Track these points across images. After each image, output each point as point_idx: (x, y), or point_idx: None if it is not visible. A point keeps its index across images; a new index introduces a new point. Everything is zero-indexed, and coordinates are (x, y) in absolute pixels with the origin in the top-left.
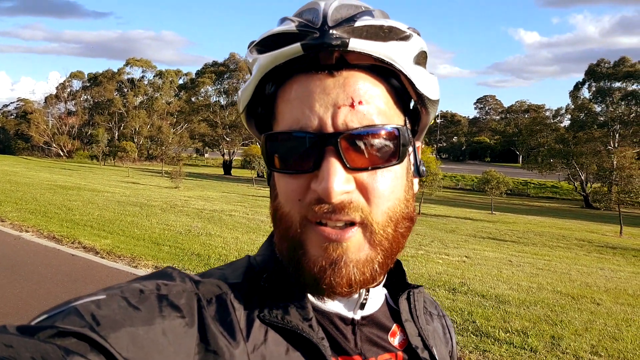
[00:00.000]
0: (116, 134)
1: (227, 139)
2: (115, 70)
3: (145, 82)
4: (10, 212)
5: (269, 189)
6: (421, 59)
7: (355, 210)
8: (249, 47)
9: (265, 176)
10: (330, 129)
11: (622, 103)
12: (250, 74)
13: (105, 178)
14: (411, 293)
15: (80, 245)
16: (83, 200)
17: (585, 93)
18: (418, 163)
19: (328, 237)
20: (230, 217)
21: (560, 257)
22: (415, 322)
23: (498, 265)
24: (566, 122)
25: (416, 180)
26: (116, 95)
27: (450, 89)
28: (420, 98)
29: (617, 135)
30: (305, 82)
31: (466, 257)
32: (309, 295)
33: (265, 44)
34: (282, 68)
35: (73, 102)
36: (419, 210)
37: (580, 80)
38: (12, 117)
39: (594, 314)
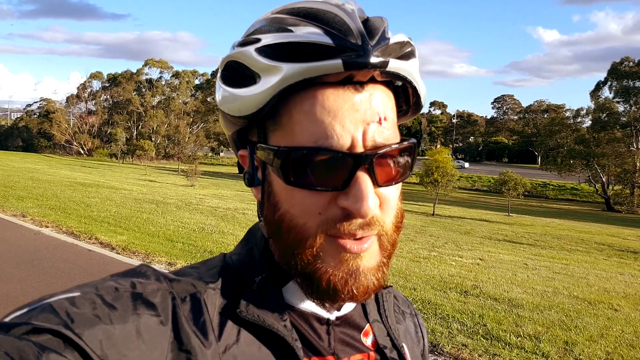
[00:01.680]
0: (134, 133)
1: None
2: (134, 70)
3: (163, 83)
4: (31, 208)
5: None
6: None
7: (377, 224)
8: (247, 45)
9: (246, 179)
10: (361, 147)
11: None
12: (244, 76)
13: (124, 176)
14: (380, 293)
15: (97, 240)
16: (101, 197)
17: (606, 92)
18: None
19: (350, 250)
20: (243, 216)
21: (578, 261)
22: (384, 322)
23: (513, 268)
24: (587, 123)
25: None
26: (134, 95)
27: (466, 89)
28: (417, 106)
29: None
30: (332, 95)
31: (480, 259)
32: (287, 295)
33: (286, 52)
34: (306, 80)
35: (93, 101)
36: (433, 212)
37: (602, 80)
38: (35, 116)
39: (611, 320)
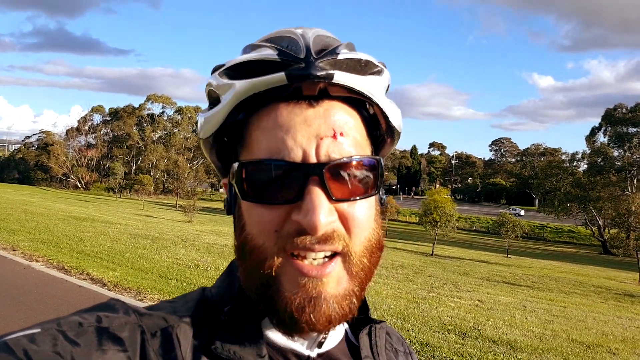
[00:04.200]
0: (133, 167)
1: None
2: (136, 105)
3: (165, 118)
4: (22, 242)
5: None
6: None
7: (339, 239)
8: (215, 72)
9: (225, 207)
10: (313, 160)
11: None
12: (212, 99)
13: (120, 210)
14: (372, 328)
15: (89, 276)
16: (95, 232)
17: (601, 137)
18: (381, 192)
19: (308, 274)
20: None
21: (576, 304)
22: (375, 358)
23: (511, 310)
24: (583, 166)
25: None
26: (135, 129)
27: (464, 131)
28: (390, 129)
29: (635, 180)
30: (284, 111)
31: (479, 301)
32: (265, 330)
33: (241, 70)
34: (258, 95)
35: (93, 135)
36: (432, 252)
37: (597, 125)
38: (34, 148)
39: None
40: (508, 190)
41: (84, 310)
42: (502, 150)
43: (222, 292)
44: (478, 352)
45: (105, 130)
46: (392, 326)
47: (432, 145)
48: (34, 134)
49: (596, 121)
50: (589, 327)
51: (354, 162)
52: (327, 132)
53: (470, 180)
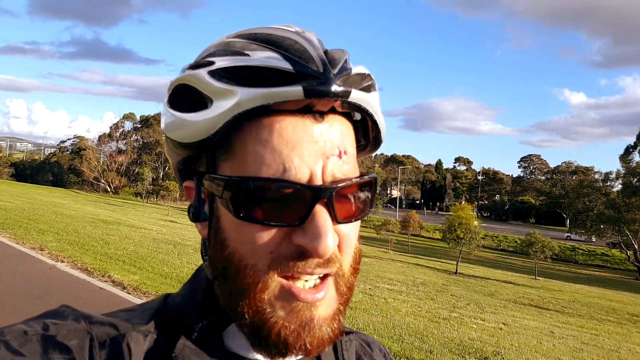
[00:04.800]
0: (161, 174)
1: None
2: None
3: None
4: (50, 242)
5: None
6: None
7: (336, 261)
8: (199, 68)
9: (191, 213)
10: (320, 181)
11: None
12: (192, 98)
13: (146, 215)
14: (338, 342)
15: (110, 279)
16: (120, 235)
17: (637, 157)
18: None
19: (304, 300)
20: None
21: (609, 332)
22: None
23: (538, 335)
24: (617, 187)
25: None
26: (164, 136)
27: (492, 146)
28: (376, 141)
29: None
30: (289, 124)
31: (503, 323)
32: (227, 340)
33: (242, 75)
34: (263, 106)
35: (124, 141)
36: (456, 270)
37: (632, 144)
38: (68, 152)
39: None
40: (537, 209)
41: (32, 319)
42: (531, 167)
43: (185, 300)
44: None
45: (136, 137)
46: (411, 351)
47: (458, 160)
48: (68, 139)
49: (631, 140)
50: (622, 358)
51: (359, 183)
52: (332, 151)
53: (497, 197)
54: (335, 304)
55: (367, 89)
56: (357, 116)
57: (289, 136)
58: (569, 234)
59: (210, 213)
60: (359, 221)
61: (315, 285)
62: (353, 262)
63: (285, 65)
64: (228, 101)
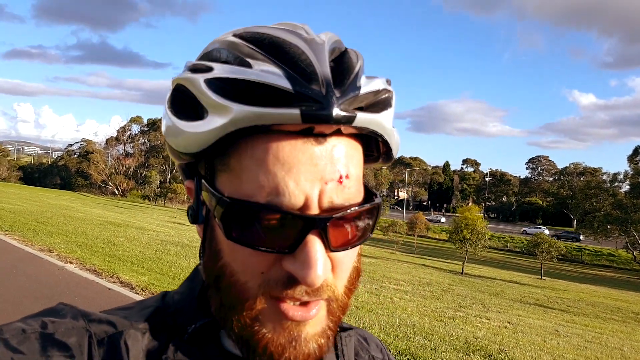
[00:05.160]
0: (168, 177)
1: None
2: None
3: None
4: (58, 244)
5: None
6: None
7: (327, 289)
8: (197, 73)
9: (190, 215)
10: (316, 208)
11: None
12: (190, 104)
13: (154, 217)
14: (337, 337)
15: (118, 280)
16: (128, 237)
17: None
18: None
19: (293, 318)
20: None
21: (613, 331)
22: None
23: (543, 334)
24: (625, 187)
25: None
26: None
27: (500, 148)
28: (388, 157)
29: None
30: (287, 145)
31: (508, 322)
32: (224, 340)
33: (238, 89)
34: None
35: (131, 144)
36: (462, 270)
37: None
38: (75, 155)
39: None
40: (544, 209)
41: (30, 316)
42: (539, 168)
43: (184, 299)
44: None
45: (143, 140)
46: (417, 349)
47: (465, 161)
48: (76, 142)
49: None
50: (626, 356)
51: (358, 211)
52: (332, 175)
53: (505, 198)
54: (325, 322)
55: (379, 109)
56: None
57: (286, 158)
58: (525, 229)
59: (206, 220)
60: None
61: (306, 304)
62: (348, 284)
63: (285, 85)
64: (222, 118)
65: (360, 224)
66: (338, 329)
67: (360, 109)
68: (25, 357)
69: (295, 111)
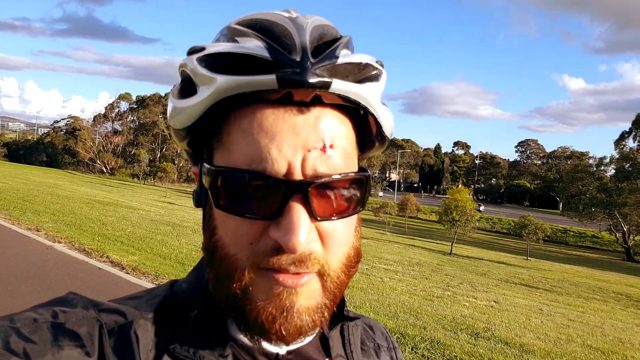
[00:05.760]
0: (158, 155)
1: None
2: (163, 94)
3: None
4: (46, 223)
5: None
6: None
7: (315, 262)
8: (193, 55)
9: (194, 199)
10: (298, 175)
11: None
12: (187, 84)
13: (143, 196)
14: (345, 326)
15: (108, 259)
16: (118, 216)
17: (631, 143)
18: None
19: (283, 283)
20: None
21: (594, 310)
22: (347, 357)
23: (527, 312)
24: (610, 171)
25: None
26: (161, 117)
27: (490, 131)
28: (381, 136)
29: None
30: (270, 114)
31: (494, 301)
32: (231, 328)
33: (224, 62)
34: (242, 94)
35: (120, 122)
36: (451, 251)
37: (627, 130)
38: (62, 132)
39: None
40: (532, 192)
41: (40, 305)
42: (528, 151)
43: (192, 287)
44: (489, 352)
45: (132, 118)
46: (406, 327)
47: (456, 144)
48: (62, 119)
49: (627, 126)
50: (605, 333)
51: (342, 180)
52: (315, 144)
53: (494, 181)
54: (319, 298)
55: (362, 80)
56: (360, 110)
57: (269, 126)
58: (479, 204)
59: (205, 200)
60: (354, 219)
61: (297, 273)
62: (346, 261)
63: (264, 54)
64: (209, 88)
65: (346, 193)
66: (347, 318)
67: (340, 78)
68: (37, 347)
69: (272, 77)
